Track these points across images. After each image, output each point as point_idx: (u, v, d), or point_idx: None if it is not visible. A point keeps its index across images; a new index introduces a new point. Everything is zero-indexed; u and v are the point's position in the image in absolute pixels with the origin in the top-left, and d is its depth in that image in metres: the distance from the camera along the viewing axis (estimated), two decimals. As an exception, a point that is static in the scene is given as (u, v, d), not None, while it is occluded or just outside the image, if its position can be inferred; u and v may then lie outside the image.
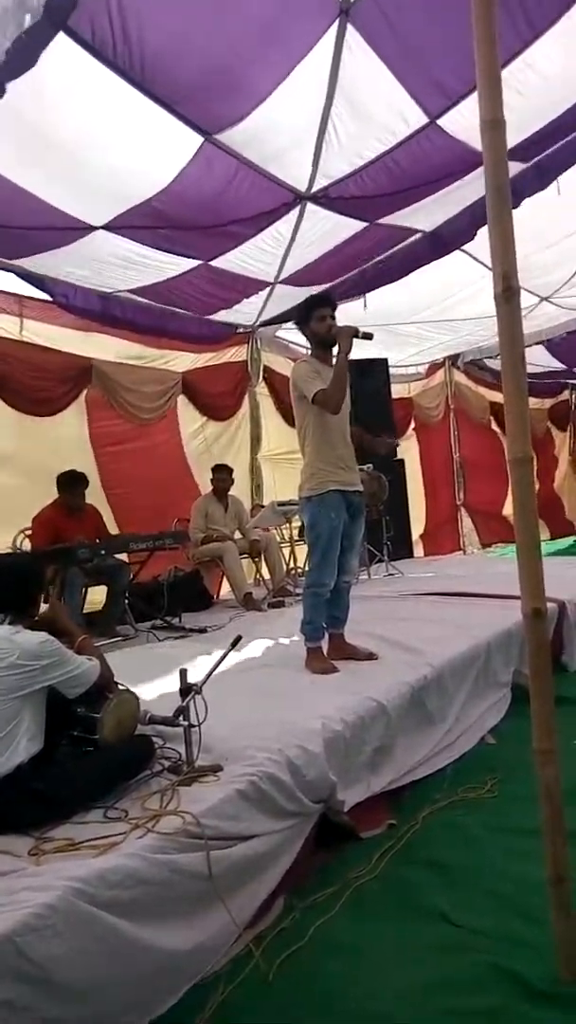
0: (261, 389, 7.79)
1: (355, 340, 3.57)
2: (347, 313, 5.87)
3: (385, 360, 8.44)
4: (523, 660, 4.08)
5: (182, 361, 7.06)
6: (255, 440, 7.64)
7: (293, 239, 5.38)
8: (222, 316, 6.84)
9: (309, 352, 3.84)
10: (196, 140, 4.00)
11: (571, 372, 10.98)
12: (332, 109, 4.05)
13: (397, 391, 9.67)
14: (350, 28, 3.53)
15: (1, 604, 2.31)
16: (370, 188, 4.77)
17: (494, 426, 11.07)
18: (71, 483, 4.88)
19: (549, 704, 1.84)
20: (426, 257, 6.00)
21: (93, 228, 4.64)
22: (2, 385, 5.46)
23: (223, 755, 2.49)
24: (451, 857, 2.59)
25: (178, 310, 6.38)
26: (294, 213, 5.04)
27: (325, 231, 5.41)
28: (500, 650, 3.93)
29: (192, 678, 2.49)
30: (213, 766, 2.41)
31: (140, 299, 6.02)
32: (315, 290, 6.42)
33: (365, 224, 5.46)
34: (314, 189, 4.77)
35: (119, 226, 4.66)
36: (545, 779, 1.86)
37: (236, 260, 5.51)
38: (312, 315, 3.65)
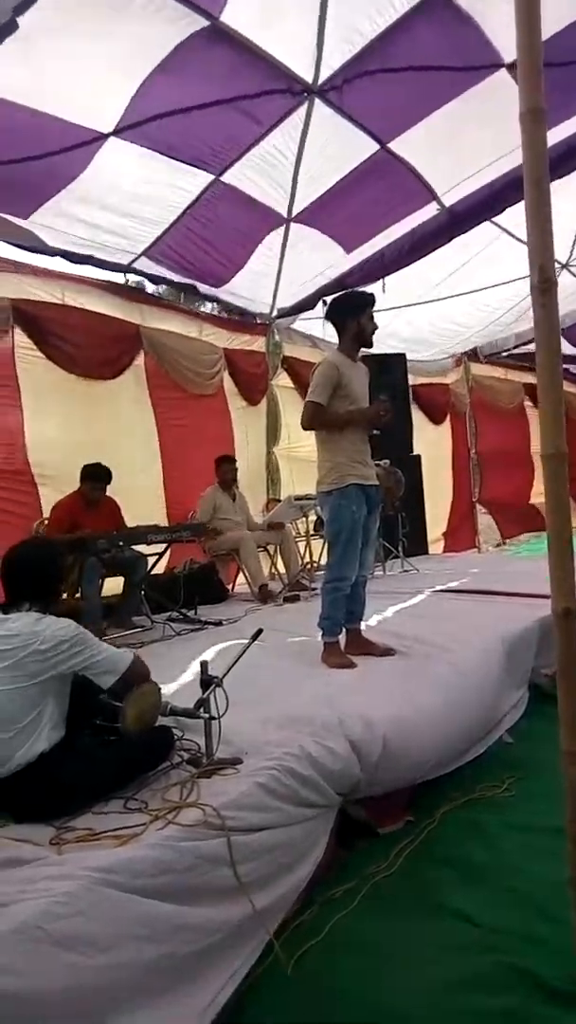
0: (282, 381, 7.78)
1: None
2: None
3: (403, 355, 8.41)
4: (541, 659, 4.07)
5: (219, 338, 7.19)
6: (272, 433, 7.62)
7: (303, 145, 5.24)
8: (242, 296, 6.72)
9: (338, 346, 3.80)
10: (200, 21, 3.96)
11: None
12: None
13: (433, 377, 9.77)
14: None
15: (24, 593, 2.31)
16: (378, 75, 4.63)
17: (529, 409, 11.02)
18: (93, 477, 4.88)
19: (577, 704, 1.82)
20: (444, 235, 5.91)
21: (103, 135, 4.54)
22: (53, 348, 5.60)
23: (242, 748, 2.49)
24: (469, 855, 2.58)
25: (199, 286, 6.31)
26: (301, 113, 4.93)
27: (338, 144, 5.26)
28: (518, 649, 3.89)
29: (211, 670, 2.49)
30: (233, 759, 2.40)
31: (164, 270, 5.97)
32: (335, 251, 6.37)
33: (377, 147, 5.34)
34: (320, 81, 4.66)
35: (126, 127, 4.55)
36: (571, 779, 1.84)
37: (248, 171, 5.37)
38: (363, 313, 3.65)
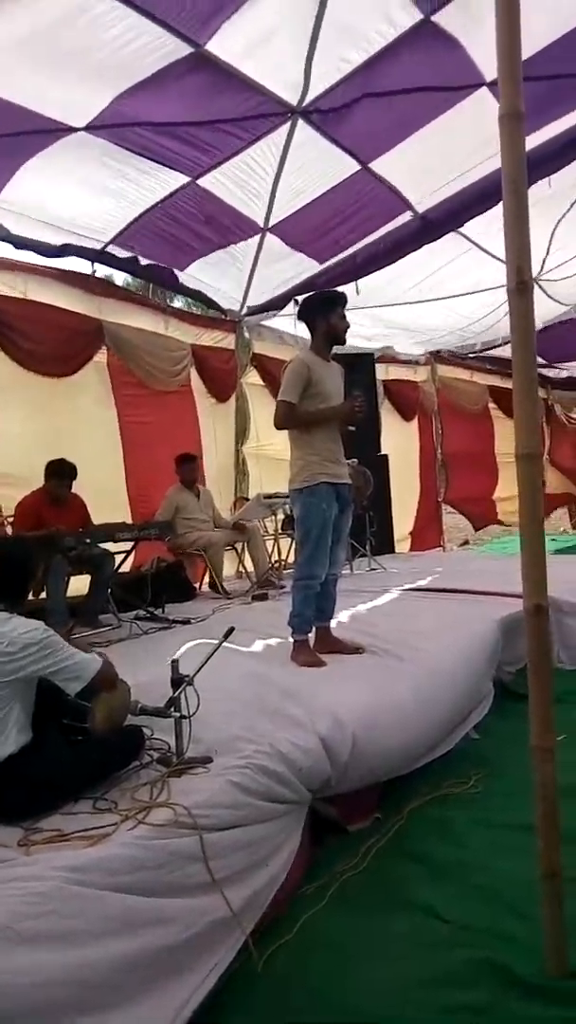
0: (251, 379, 7.76)
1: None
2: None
3: (371, 355, 8.47)
4: (505, 656, 4.12)
5: (186, 334, 7.12)
6: (241, 431, 7.59)
7: (283, 161, 5.26)
8: (209, 286, 6.71)
9: (310, 344, 3.80)
10: (184, 48, 3.98)
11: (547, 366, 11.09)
12: (322, 25, 4.06)
13: (403, 374, 9.85)
14: None
15: (-7, 591, 2.26)
16: (361, 92, 4.67)
17: (494, 412, 11.19)
18: (57, 474, 4.80)
19: (548, 701, 1.84)
20: (415, 241, 5.97)
21: (74, 129, 4.47)
22: (11, 343, 5.47)
23: (212, 746, 2.47)
24: (437, 851, 2.61)
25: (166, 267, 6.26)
26: (283, 131, 4.96)
27: (314, 158, 5.29)
28: (484, 646, 3.94)
29: (180, 669, 2.47)
30: (203, 758, 2.39)
31: (131, 254, 5.90)
32: (309, 263, 6.43)
33: (357, 167, 5.39)
34: (305, 102, 4.69)
35: (99, 125, 4.49)
36: (542, 776, 1.86)
37: (224, 180, 5.36)
38: (334, 310, 3.65)
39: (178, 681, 2.41)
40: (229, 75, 4.26)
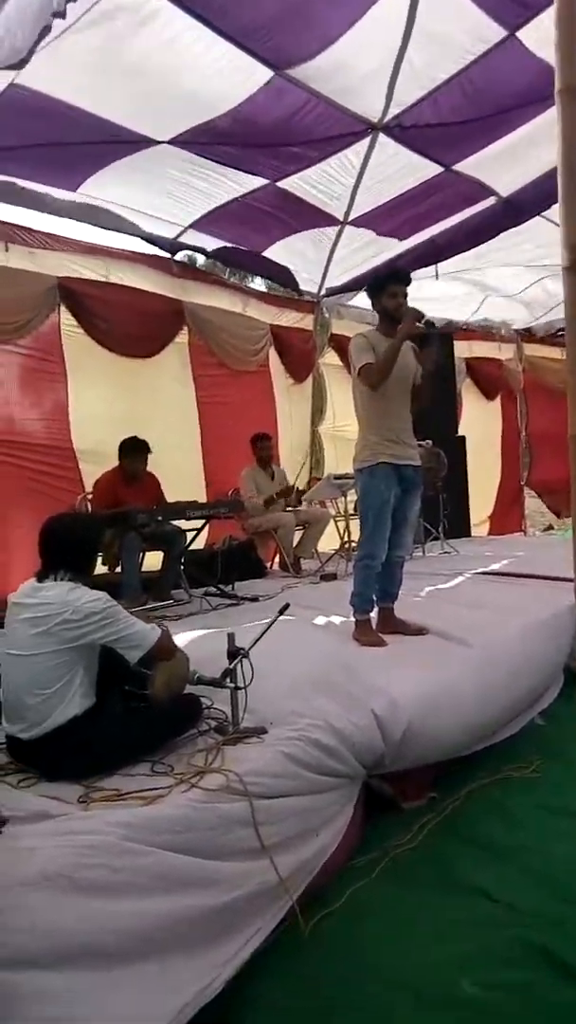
0: (329, 359, 7.76)
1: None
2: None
3: (450, 335, 8.31)
4: (577, 643, 4.02)
5: (265, 314, 7.18)
6: (317, 411, 7.61)
7: (363, 170, 5.30)
8: (287, 268, 6.74)
9: (376, 324, 3.79)
10: (266, 73, 4.06)
11: None
12: (409, 43, 4.06)
13: (487, 351, 9.62)
14: None
15: (59, 563, 2.37)
16: (445, 112, 4.68)
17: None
18: (133, 450, 4.95)
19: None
20: (500, 225, 5.84)
21: (157, 142, 4.61)
22: (96, 327, 5.64)
23: (267, 718, 2.53)
24: (492, 833, 2.60)
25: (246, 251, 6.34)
26: (365, 143, 4.99)
27: (399, 167, 5.32)
28: (554, 632, 3.85)
29: (241, 643, 2.53)
30: (258, 728, 2.45)
31: (212, 238, 6.00)
32: (388, 244, 6.38)
33: (440, 169, 5.35)
34: (387, 119, 4.73)
35: (183, 141, 4.64)
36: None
37: (304, 184, 5.42)
38: (385, 290, 3.62)
39: (234, 653, 2.47)
40: (311, 94, 4.33)
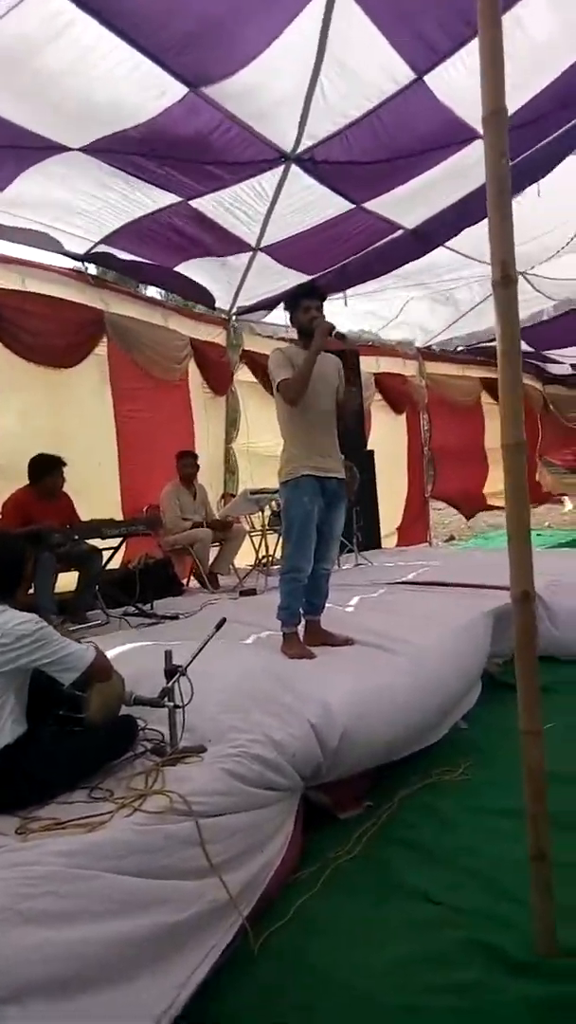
0: (243, 375, 7.81)
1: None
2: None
3: (357, 353, 8.50)
4: (493, 647, 4.17)
5: (186, 327, 7.19)
6: (231, 426, 7.63)
7: (276, 198, 5.40)
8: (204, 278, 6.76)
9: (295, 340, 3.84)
10: (181, 89, 4.06)
11: (539, 357, 11.14)
12: (321, 70, 4.15)
13: (393, 367, 9.91)
14: None
15: (-14, 584, 2.28)
16: (356, 152, 4.83)
17: (487, 405, 11.18)
18: (50, 467, 4.81)
19: (535, 686, 1.89)
20: (408, 255, 6.08)
21: (68, 148, 4.54)
22: (12, 337, 5.47)
23: (205, 735, 2.50)
24: (428, 837, 2.65)
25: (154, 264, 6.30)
26: (278, 171, 5.08)
27: (310, 201, 5.46)
28: (472, 638, 3.99)
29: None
30: (197, 747, 2.42)
31: (121, 253, 5.94)
32: (300, 276, 6.49)
33: (351, 206, 5.50)
34: (299, 150, 4.83)
35: (95, 149, 4.58)
36: (529, 759, 1.91)
37: (217, 206, 5.47)
38: (299, 304, 3.67)
39: (171, 671, 2.43)
40: (226, 116, 4.36)
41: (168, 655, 2.48)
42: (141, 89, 4.03)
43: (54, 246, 5.62)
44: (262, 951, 2.03)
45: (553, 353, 10.86)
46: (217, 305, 7.30)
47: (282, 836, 2.36)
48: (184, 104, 4.18)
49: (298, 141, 4.75)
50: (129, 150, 4.59)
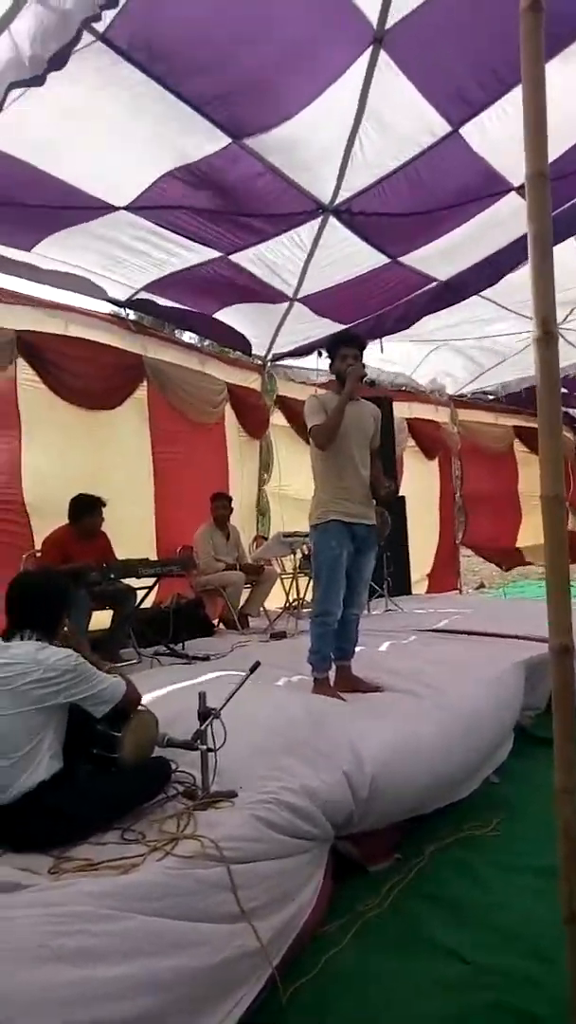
0: (276, 420, 7.95)
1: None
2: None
3: (389, 399, 8.60)
4: (526, 700, 4.11)
5: (223, 372, 7.36)
6: (264, 469, 7.72)
7: (314, 250, 5.53)
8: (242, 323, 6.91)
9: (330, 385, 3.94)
10: (224, 139, 4.19)
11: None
12: (360, 127, 4.28)
13: (426, 413, 9.96)
14: (383, 54, 3.76)
15: (28, 621, 2.33)
16: (392, 203, 4.93)
17: (520, 453, 11.13)
18: (90, 507, 4.90)
19: (571, 742, 1.86)
20: (440, 303, 6.18)
21: (115, 208, 4.69)
22: (56, 379, 5.64)
23: (237, 780, 2.50)
24: (458, 893, 2.60)
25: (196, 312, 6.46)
26: (316, 223, 5.21)
27: (347, 253, 5.57)
28: (505, 690, 3.93)
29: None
30: (228, 792, 2.42)
31: (161, 300, 6.11)
32: (335, 325, 6.61)
33: (386, 260, 5.63)
34: (337, 202, 4.95)
35: (139, 207, 4.73)
36: (564, 817, 1.87)
37: (258, 258, 5.60)
38: (337, 352, 3.76)
39: (205, 714, 2.44)
40: (267, 167, 4.50)
41: (202, 697, 2.49)
42: (185, 136, 4.15)
43: (97, 292, 5.80)
44: (290, 1004, 2.00)
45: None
46: (253, 351, 7.44)
47: (312, 886, 2.34)
48: (226, 153, 4.31)
49: (336, 193, 4.89)
50: (171, 204, 4.74)
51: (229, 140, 4.21)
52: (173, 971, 1.68)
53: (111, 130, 4.04)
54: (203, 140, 4.20)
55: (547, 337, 1.78)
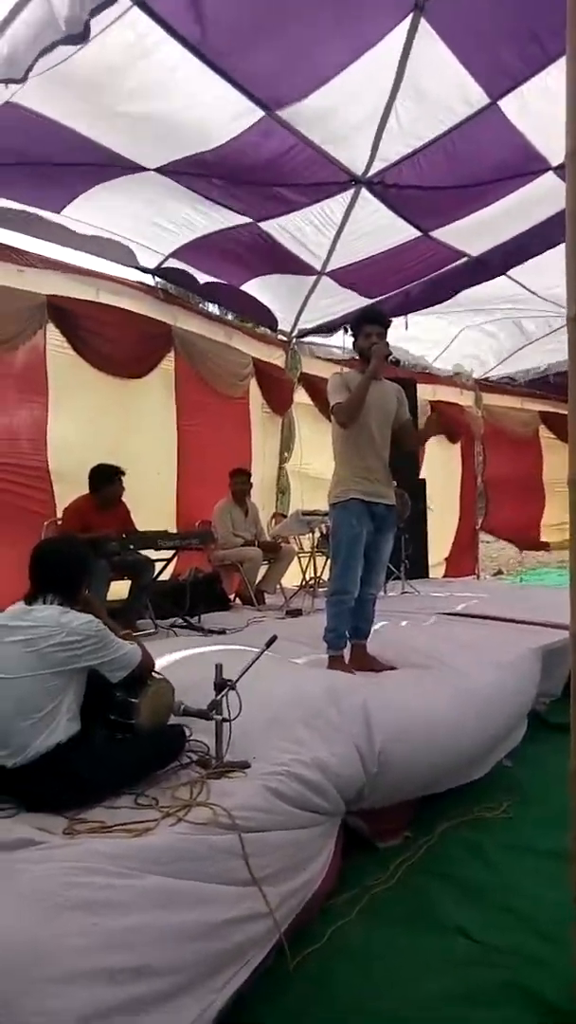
0: (299, 397, 7.92)
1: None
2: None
3: (413, 380, 8.53)
4: (541, 686, 4.09)
5: (250, 346, 7.33)
6: (285, 447, 7.71)
7: (344, 223, 5.47)
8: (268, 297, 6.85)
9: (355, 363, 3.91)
10: (257, 113, 4.14)
11: None
12: (397, 97, 4.21)
13: (450, 396, 9.88)
14: (423, 21, 3.68)
15: (51, 586, 2.35)
16: (427, 175, 4.86)
17: (546, 439, 11.01)
18: (110, 477, 4.91)
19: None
20: (471, 282, 6.11)
21: (145, 169, 4.67)
22: (85, 344, 5.63)
23: (250, 751, 2.51)
24: (467, 873, 2.62)
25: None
26: (348, 195, 5.16)
27: (379, 227, 5.50)
28: (521, 675, 3.92)
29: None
30: (241, 763, 2.43)
31: (190, 268, 6.07)
32: (361, 300, 6.54)
33: (418, 233, 5.56)
34: (370, 173, 4.89)
35: (171, 171, 4.71)
36: (578, 799, 1.87)
37: (286, 228, 5.56)
38: (361, 330, 3.73)
39: (221, 685, 2.46)
40: (299, 138, 4.44)
41: (219, 668, 2.51)
42: (218, 111, 4.12)
43: (127, 258, 5.77)
44: (296, 972, 2.03)
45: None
46: (279, 327, 7.40)
47: (322, 858, 2.35)
48: (259, 127, 4.27)
49: (369, 164, 4.82)
50: (203, 172, 4.71)
51: (263, 113, 4.15)
52: (181, 926, 1.70)
53: (147, 107, 4.02)
54: (236, 115, 4.15)
55: (582, 316, 1.75)
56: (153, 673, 2.55)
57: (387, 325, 3.84)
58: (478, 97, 4.21)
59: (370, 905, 2.40)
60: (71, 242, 5.37)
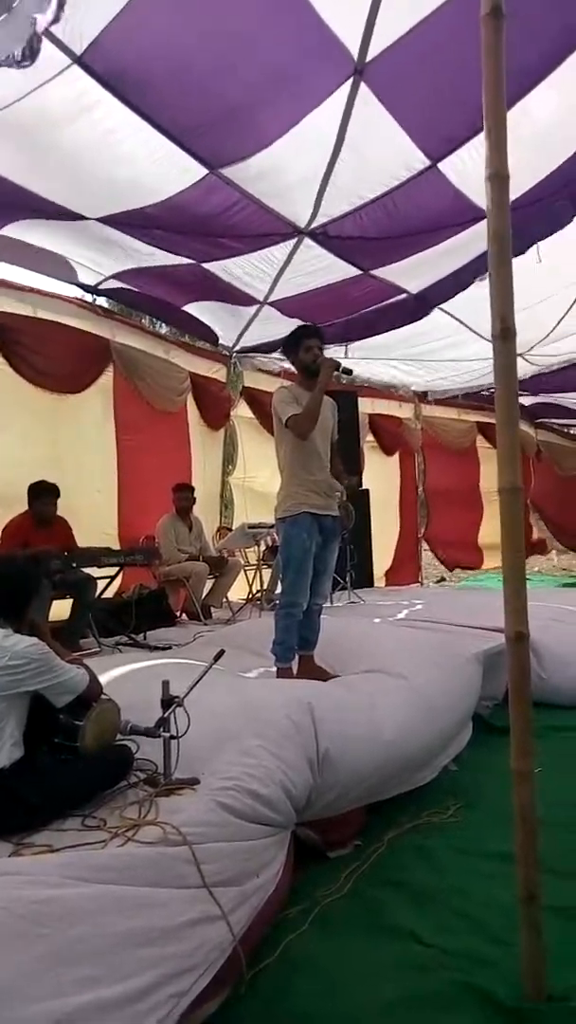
0: (241, 411, 7.93)
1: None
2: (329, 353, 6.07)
3: (354, 393, 8.64)
4: (484, 690, 4.18)
5: (187, 361, 7.36)
6: (227, 460, 7.72)
7: (287, 265, 5.57)
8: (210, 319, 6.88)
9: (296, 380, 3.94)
10: (201, 171, 4.16)
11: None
12: (339, 156, 4.26)
13: (387, 408, 10.03)
14: (363, 86, 3.73)
15: (-7, 608, 2.31)
16: (368, 229, 4.97)
17: (482, 449, 11.23)
18: (42, 493, 4.85)
19: (528, 725, 1.92)
20: (408, 316, 6.28)
21: (86, 218, 4.67)
22: (22, 360, 5.58)
23: (198, 768, 2.50)
24: (418, 878, 2.64)
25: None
26: (290, 243, 5.23)
27: (320, 268, 5.62)
28: (464, 678, 4.00)
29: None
30: (190, 779, 2.42)
31: (131, 287, 6.06)
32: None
33: (358, 272, 5.68)
34: (313, 225, 4.97)
35: (112, 220, 4.72)
36: (521, 799, 1.93)
37: (229, 269, 5.63)
38: (300, 344, 3.77)
39: (168, 701, 2.44)
40: (241, 194, 4.50)
41: (165, 685, 2.49)
42: (161, 168, 4.14)
43: (69, 275, 5.72)
44: (250, 989, 2.02)
45: (553, 397, 10.98)
46: (220, 342, 7.43)
47: (275, 867, 2.34)
48: (203, 184, 4.30)
49: (312, 218, 4.91)
50: (146, 223, 4.74)
51: (206, 171, 4.18)
52: (134, 931, 1.68)
53: (88, 163, 4.03)
54: (180, 172, 4.18)
55: (505, 332, 1.83)
56: (102, 696, 2.52)
57: (323, 339, 3.91)
58: (419, 160, 4.30)
59: (323, 915, 2.40)
60: (7, 253, 5.28)
